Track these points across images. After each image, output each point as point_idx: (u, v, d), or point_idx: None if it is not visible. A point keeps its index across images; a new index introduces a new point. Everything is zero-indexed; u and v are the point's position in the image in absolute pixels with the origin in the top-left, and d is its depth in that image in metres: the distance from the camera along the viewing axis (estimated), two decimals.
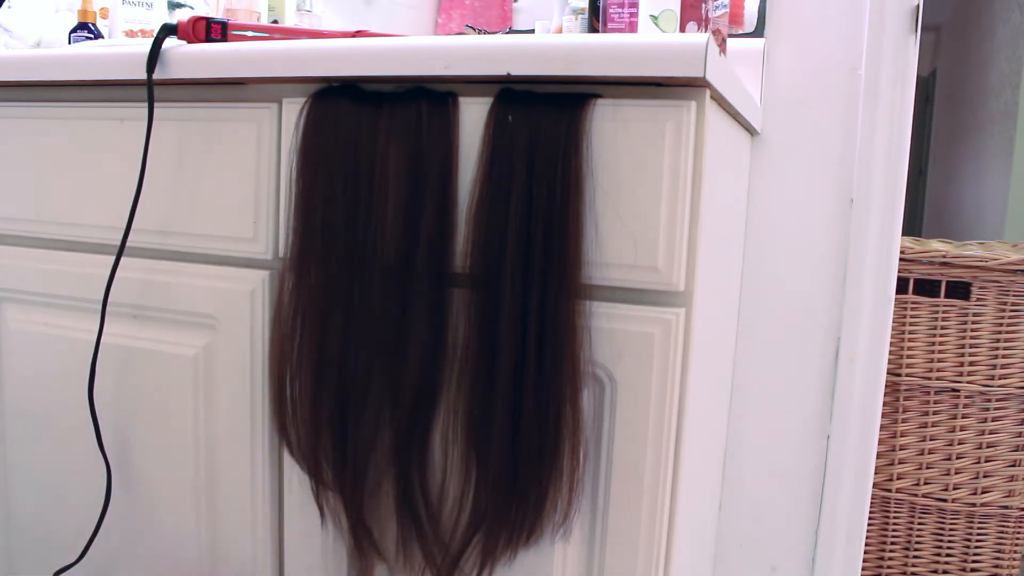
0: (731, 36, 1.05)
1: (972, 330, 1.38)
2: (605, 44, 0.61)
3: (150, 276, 0.81)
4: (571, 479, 0.65)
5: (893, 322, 1.02)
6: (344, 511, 0.71)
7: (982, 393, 1.39)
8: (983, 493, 1.42)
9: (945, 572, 1.46)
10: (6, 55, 0.86)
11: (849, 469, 1.03)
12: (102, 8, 1.19)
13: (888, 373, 1.35)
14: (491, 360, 0.64)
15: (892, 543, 1.47)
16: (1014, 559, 1.44)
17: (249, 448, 0.79)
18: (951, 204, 3.87)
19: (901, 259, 1.33)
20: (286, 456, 0.76)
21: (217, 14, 1.27)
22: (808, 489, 1.05)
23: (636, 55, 0.60)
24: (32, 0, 1.19)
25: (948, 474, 1.42)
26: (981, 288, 1.37)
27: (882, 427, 1.39)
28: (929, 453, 1.42)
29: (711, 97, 0.64)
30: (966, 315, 1.38)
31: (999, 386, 1.38)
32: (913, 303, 1.40)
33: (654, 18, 0.88)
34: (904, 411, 1.42)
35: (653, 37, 0.61)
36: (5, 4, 1.13)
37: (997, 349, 1.38)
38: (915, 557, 1.47)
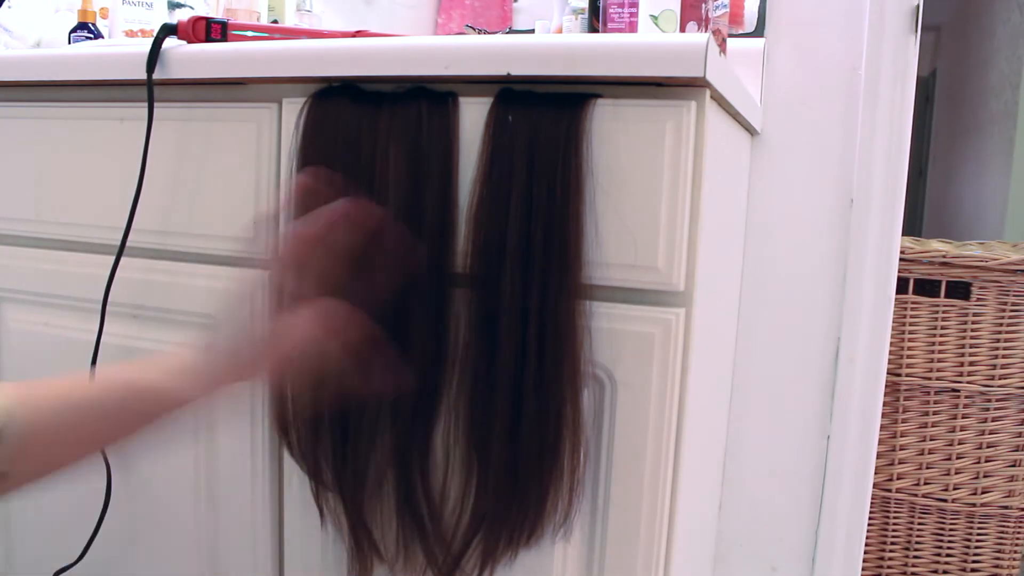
0: (731, 36, 1.05)
1: (972, 330, 1.38)
2: (605, 44, 0.61)
3: (150, 276, 0.81)
4: (572, 479, 0.65)
5: (893, 322, 1.02)
6: (344, 512, 0.71)
7: (982, 393, 1.39)
8: (983, 493, 1.42)
9: (945, 572, 1.46)
10: (6, 55, 0.86)
11: (849, 469, 1.03)
12: (102, 8, 1.19)
13: (888, 373, 1.35)
14: (491, 360, 0.64)
15: (892, 543, 1.47)
16: (1014, 559, 1.44)
17: (249, 448, 0.79)
18: (951, 204, 3.87)
19: (901, 259, 1.33)
20: (286, 456, 0.76)
21: (217, 14, 1.27)
22: (808, 489, 1.05)
23: (636, 55, 0.60)
24: (32, 0, 1.19)
25: (948, 474, 1.42)
26: (981, 288, 1.37)
27: (882, 427, 1.39)
28: (929, 453, 1.42)
29: (711, 97, 0.64)
30: (966, 315, 1.38)
31: (999, 386, 1.38)
32: (913, 303, 1.40)
33: (654, 18, 0.88)
34: (904, 411, 1.42)
35: (653, 37, 0.61)
36: (5, 4, 1.13)
37: (997, 349, 1.38)
38: (915, 557, 1.47)
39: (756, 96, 1.02)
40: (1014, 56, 2.97)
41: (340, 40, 0.71)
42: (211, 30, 0.79)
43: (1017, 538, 1.43)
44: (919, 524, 1.45)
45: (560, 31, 1.23)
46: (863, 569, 1.09)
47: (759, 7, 1.12)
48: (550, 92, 0.64)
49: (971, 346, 1.38)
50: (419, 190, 0.65)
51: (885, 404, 1.37)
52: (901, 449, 1.43)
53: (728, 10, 0.96)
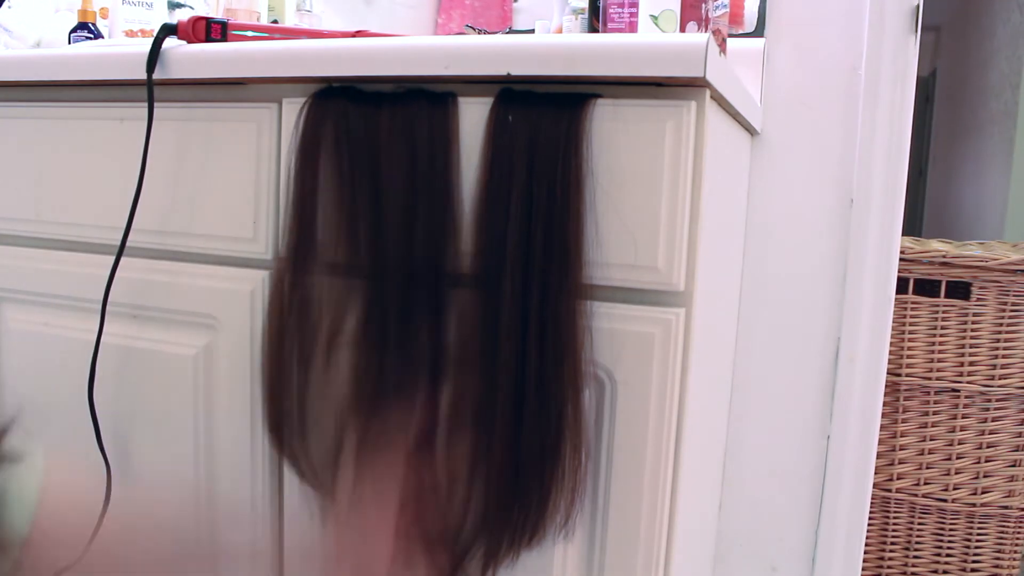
0: (731, 36, 1.05)
1: (972, 330, 1.38)
2: (605, 44, 0.61)
3: (150, 276, 0.81)
4: (573, 479, 0.65)
5: (893, 322, 1.02)
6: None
7: (982, 393, 1.39)
8: (983, 493, 1.42)
9: (945, 572, 1.46)
10: (6, 55, 0.86)
11: (849, 469, 1.03)
12: (102, 8, 1.19)
13: (888, 373, 1.35)
14: (492, 360, 0.64)
15: (892, 543, 1.47)
16: (1014, 559, 1.44)
17: (249, 448, 0.79)
18: (951, 204, 3.87)
19: (901, 259, 1.33)
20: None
21: (217, 14, 1.27)
22: (808, 489, 1.05)
23: (636, 55, 0.60)
24: (32, 0, 1.19)
25: (948, 474, 1.42)
26: (981, 288, 1.37)
27: (882, 427, 1.39)
28: (929, 453, 1.42)
29: (711, 97, 0.64)
30: (966, 315, 1.38)
31: (999, 386, 1.38)
32: (913, 303, 1.40)
33: (654, 18, 0.88)
34: (904, 411, 1.42)
35: (653, 37, 0.61)
36: (5, 4, 1.13)
37: (997, 349, 1.38)
38: (915, 557, 1.47)
39: (756, 96, 1.02)
40: (1014, 56, 2.97)
41: (340, 40, 0.71)
42: (211, 30, 0.79)
43: (1017, 538, 1.43)
44: (919, 524, 1.45)
45: (560, 31, 1.23)
46: (863, 569, 1.09)
47: (759, 7, 1.12)
48: (550, 92, 0.64)
49: (971, 346, 1.38)
50: (419, 190, 0.65)
51: (885, 404, 1.37)
52: (901, 449, 1.43)
53: (728, 10, 0.96)
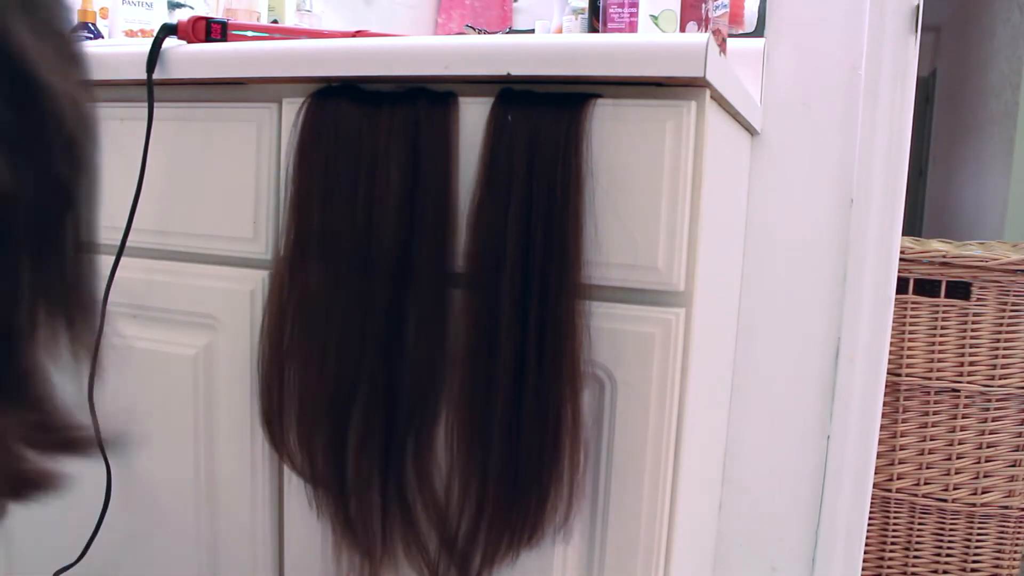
0: (731, 36, 1.05)
1: (972, 330, 1.38)
2: (605, 44, 0.61)
3: (150, 276, 0.81)
4: (572, 479, 0.65)
5: (893, 322, 1.02)
6: (336, 513, 0.71)
7: (982, 393, 1.39)
8: (983, 493, 1.42)
9: (945, 572, 1.46)
10: None
11: (849, 469, 1.03)
12: (102, 8, 1.19)
13: (888, 373, 1.35)
14: (491, 360, 0.64)
15: (892, 543, 1.47)
16: (1014, 559, 1.44)
17: (249, 448, 0.79)
18: (951, 204, 3.87)
19: (901, 259, 1.33)
20: None
21: (217, 14, 1.27)
22: (808, 489, 1.05)
23: (636, 55, 0.60)
24: None
25: (948, 474, 1.42)
26: (981, 288, 1.36)
27: (882, 427, 1.39)
28: (929, 453, 1.42)
29: (711, 97, 0.64)
30: (966, 315, 1.38)
31: (999, 386, 1.38)
32: (913, 303, 1.39)
33: (654, 18, 0.88)
34: (904, 411, 1.42)
35: (653, 37, 0.61)
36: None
37: (997, 349, 1.38)
38: (915, 557, 1.47)
39: (756, 96, 1.02)
40: (1014, 56, 2.97)
41: (340, 40, 0.71)
42: (211, 30, 0.79)
43: (1017, 538, 1.43)
44: (919, 524, 1.45)
45: (560, 31, 1.23)
46: (863, 569, 1.09)
47: (759, 7, 1.12)
48: (550, 92, 0.64)
49: (971, 346, 1.38)
50: (419, 190, 0.65)
51: (885, 404, 1.37)
52: (901, 449, 1.43)
53: (728, 10, 0.96)
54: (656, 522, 0.66)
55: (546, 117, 0.62)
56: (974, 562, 1.44)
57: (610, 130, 0.63)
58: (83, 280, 0.34)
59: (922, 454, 1.43)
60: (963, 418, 1.40)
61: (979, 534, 1.43)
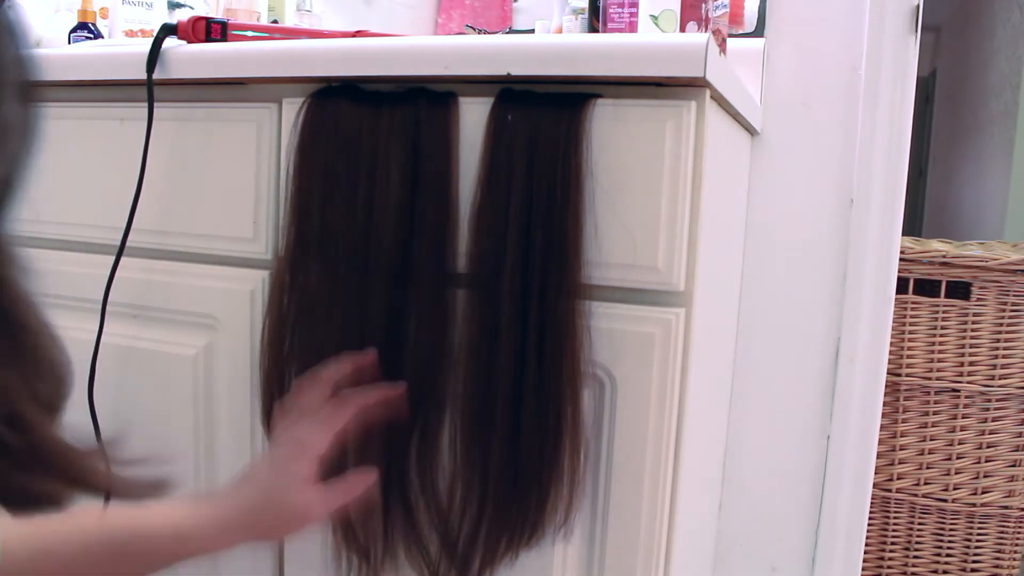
0: (731, 36, 1.05)
1: (972, 330, 1.38)
2: (605, 44, 0.61)
3: (150, 276, 0.81)
4: (572, 479, 0.65)
5: (893, 322, 1.02)
6: (343, 515, 0.71)
7: (982, 393, 1.39)
8: (983, 493, 1.42)
9: (945, 572, 1.46)
10: None
11: (849, 469, 1.03)
12: (102, 8, 1.19)
13: (888, 373, 1.35)
14: (491, 360, 0.64)
15: (892, 543, 1.47)
16: (1014, 559, 1.44)
17: (249, 448, 0.79)
18: (951, 204, 3.87)
19: (901, 259, 1.33)
20: None
21: (217, 14, 1.27)
22: (808, 489, 1.05)
23: (636, 55, 0.60)
24: (32, 0, 1.19)
25: (948, 474, 1.42)
26: (981, 288, 1.37)
27: (882, 427, 1.39)
28: (929, 453, 1.42)
29: (711, 97, 0.64)
30: (966, 315, 1.38)
31: (999, 386, 1.38)
32: (913, 303, 1.40)
33: (654, 18, 0.88)
34: (904, 411, 1.42)
35: (653, 37, 0.61)
36: (5, 4, 1.13)
37: (997, 349, 1.38)
38: (915, 557, 1.47)
39: (756, 96, 1.02)
40: (1014, 56, 2.97)
41: (340, 40, 0.71)
42: (211, 30, 0.79)
43: (1017, 538, 1.43)
44: (919, 524, 1.45)
45: (560, 31, 1.23)
46: (863, 569, 1.09)
47: (759, 7, 1.12)
48: (550, 92, 0.64)
49: (971, 346, 1.38)
50: (419, 190, 0.65)
51: (885, 404, 1.37)
52: (901, 449, 1.43)
53: (728, 10, 0.96)
54: (656, 522, 0.66)
55: (546, 117, 0.62)
56: (974, 562, 1.44)
57: (610, 130, 0.63)
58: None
59: (922, 454, 1.43)
60: (963, 418, 1.40)
61: (979, 534, 1.43)
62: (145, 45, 0.75)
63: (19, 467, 0.37)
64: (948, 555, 1.45)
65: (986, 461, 1.41)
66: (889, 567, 1.49)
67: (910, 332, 1.40)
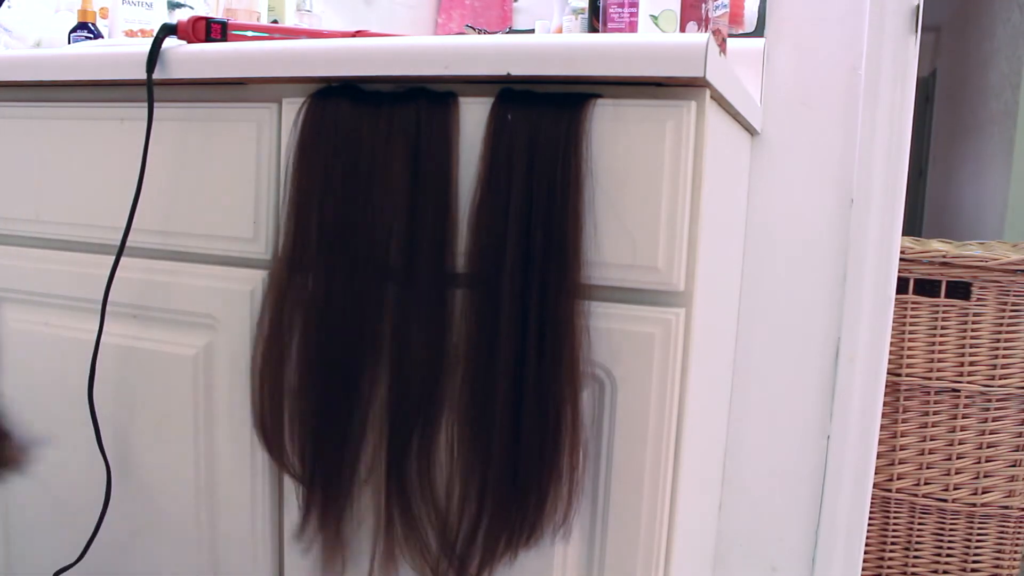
0: (731, 36, 1.05)
1: (972, 330, 1.38)
2: (605, 44, 0.61)
3: (150, 276, 0.81)
4: (571, 479, 0.65)
5: (893, 322, 1.02)
6: (329, 514, 0.71)
7: (982, 393, 1.39)
8: (983, 493, 1.42)
9: (945, 572, 1.46)
10: (6, 55, 0.86)
11: (849, 469, 1.03)
12: (102, 8, 1.19)
13: (888, 373, 1.35)
14: (491, 360, 0.64)
15: (892, 543, 1.47)
16: (1014, 559, 1.44)
17: (249, 448, 0.79)
18: (951, 204, 3.87)
19: (901, 259, 1.33)
20: None
21: (217, 14, 1.27)
22: (808, 489, 1.05)
23: (636, 55, 0.60)
24: (32, 0, 1.19)
25: (948, 474, 1.42)
26: (981, 288, 1.36)
27: (882, 427, 1.39)
28: (929, 453, 1.42)
29: (711, 97, 0.64)
30: (966, 315, 1.38)
31: (999, 386, 1.38)
32: (913, 303, 1.39)
33: (654, 18, 0.88)
34: (904, 411, 1.42)
35: (653, 37, 0.61)
36: (5, 4, 1.13)
37: (997, 349, 1.38)
38: (915, 557, 1.47)
39: (756, 96, 1.02)
40: (1014, 56, 2.97)
41: (340, 40, 0.71)
42: (211, 30, 0.79)
43: (1017, 538, 1.43)
44: (919, 524, 1.45)
45: (560, 31, 1.23)
46: (863, 569, 1.09)
47: (759, 7, 1.12)
48: (550, 92, 0.64)
49: (971, 346, 1.38)
50: (419, 190, 0.65)
51: (885, 404, 1.37)
52: (901, 449, 1.43)
53: (728, 10, 0.96)
54: (656, 522, 0.66)
55: (546, 117, 0.62)
56: (974, 562, 1.44)
57: (610, 130, 0.63)
58: None
59: (922, 454, 1.43)
60: (963, 418, 1.40)
61: (979, 534, 1.43)
62: (145, 45, 0.75)
63: None
64: (948, 555, 1.45)
65: (986, 461, 1.41)
66: (889, 567, 1.48)
67: (910, 332, 1.40)
